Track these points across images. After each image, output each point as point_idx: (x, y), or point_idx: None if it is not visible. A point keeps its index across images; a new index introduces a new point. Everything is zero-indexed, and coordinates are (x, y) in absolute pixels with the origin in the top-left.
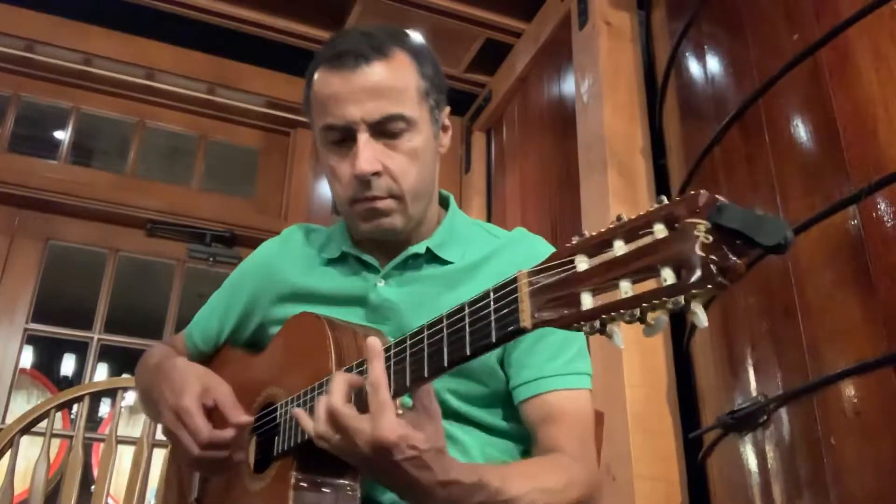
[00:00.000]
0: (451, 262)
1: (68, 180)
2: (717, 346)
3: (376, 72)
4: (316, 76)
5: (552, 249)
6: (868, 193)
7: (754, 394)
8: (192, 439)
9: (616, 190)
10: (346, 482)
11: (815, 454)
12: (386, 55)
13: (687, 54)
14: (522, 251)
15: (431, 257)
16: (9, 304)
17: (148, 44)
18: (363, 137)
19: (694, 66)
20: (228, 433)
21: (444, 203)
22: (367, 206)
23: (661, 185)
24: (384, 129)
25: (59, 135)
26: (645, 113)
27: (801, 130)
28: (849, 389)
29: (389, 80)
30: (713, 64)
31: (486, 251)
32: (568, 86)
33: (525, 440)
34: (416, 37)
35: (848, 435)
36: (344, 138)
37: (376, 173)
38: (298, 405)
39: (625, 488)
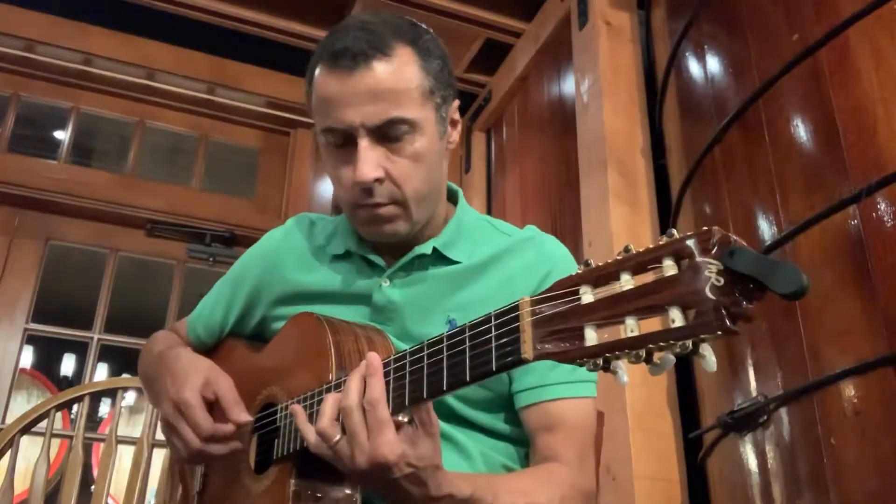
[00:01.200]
0: (458, 262)
1: (68, 180)
2: (717, 346)
3: (376, 73)
4: (315, 75)
5: (563, 249)
6: (868, 193)
7: (754, 394)
8: (192, 433)
9: (616, 190)
10: (346, 491)
11: (815, 454)
12: (387, 53)
13: (687, 54)
14: (532, 252)
15: (438, 257)
16: (9, 304)
17: (148, 44)
18: (364, 143)
19: (694, 66)
20: (230, 427)
21: (452, 198)
22: (370, 212)
23: (661, 185)
24: (385, 133)
25: (59, 135)
26: (645, 113)
27: (801, 130)
28: (849, 389)
29: (390, 82)
30: (713, 64)
31: (495, 250)
32: (568, 86)
33: (527, 443)
34: (422, 28)
35: (848, 435)
36: (345, 142)
37: (378, 179)
38: None
39: (625, 488)
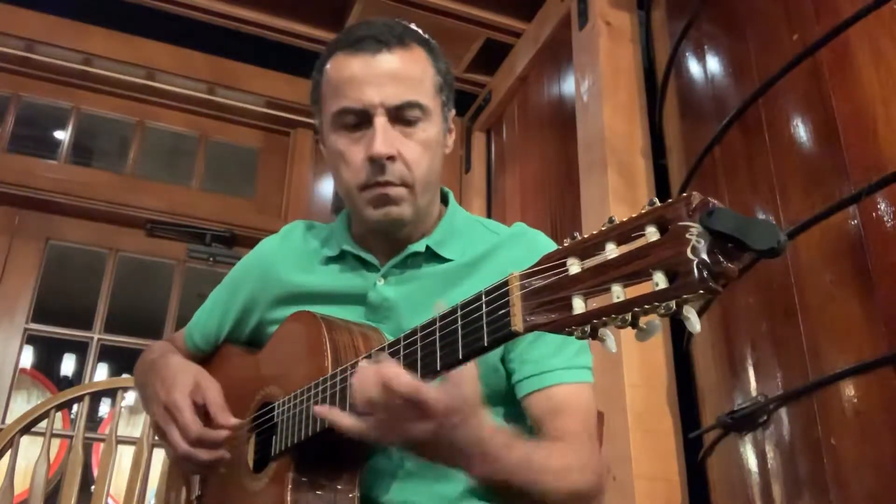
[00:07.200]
0: (450, 260)
1: (68, 180)
2: (717, 346)
3: (397, 58)
4: (331, 61)
5: (552, 244)
6: (868, 193)
7: (754, 394)
8: (180, 435)
9: (616, 190)
10: (344, 483)
11: (815, 454)
12: (406, 45)
13: (687, 54)
14: (521, 247)
15: (431, 255)
16: (9, 304)
17: (148, 44)
18: (381, 121)
19: (694, 66)
20: (220, 433)
21: (443, 199)
22: (378, 191)
23: (661, 185)
24: (401, 116)
25: (59, 135)
26: (645, 113)
27: (801, 130)
28: (849, 389)
29: (409, 69)
30: (713, 64)
31: (486, 248)
32: (568, 86)
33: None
34: (429, 37)
35: (848, 435)
36: (359, 122)
37: (391, 157)
38: (295, 404)
39: (625, 488)
